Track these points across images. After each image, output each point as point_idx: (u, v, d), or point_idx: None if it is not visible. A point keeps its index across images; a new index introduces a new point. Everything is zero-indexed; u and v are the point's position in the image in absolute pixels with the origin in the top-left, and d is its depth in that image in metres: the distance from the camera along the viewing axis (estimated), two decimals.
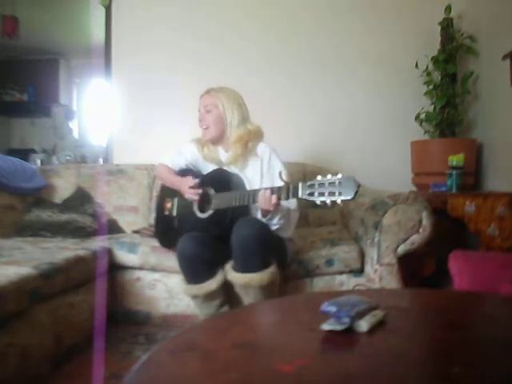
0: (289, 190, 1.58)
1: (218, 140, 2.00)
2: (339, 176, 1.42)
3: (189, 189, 1.91)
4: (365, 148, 2.98)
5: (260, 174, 1.92)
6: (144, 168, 2.83)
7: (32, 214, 2.52)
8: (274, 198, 1.62)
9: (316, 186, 1.46)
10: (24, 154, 4.97)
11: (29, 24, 4.49)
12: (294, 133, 2.89)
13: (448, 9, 2.71)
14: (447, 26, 2.72)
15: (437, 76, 2.75)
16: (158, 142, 3.01)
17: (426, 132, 2.78)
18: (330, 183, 1.43)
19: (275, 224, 1.80)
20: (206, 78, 2.97)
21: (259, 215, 1.79)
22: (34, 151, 5.68)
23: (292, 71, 3.02)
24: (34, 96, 5.88)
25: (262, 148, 1.95)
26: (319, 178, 1.47)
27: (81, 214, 2.52)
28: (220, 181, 1.89)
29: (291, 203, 1.81)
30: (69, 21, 4.79)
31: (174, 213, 2.06)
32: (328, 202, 1.43)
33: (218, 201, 1.85)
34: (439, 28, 2.75)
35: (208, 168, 2.02)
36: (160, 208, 2.16)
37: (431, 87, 2.74)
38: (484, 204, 2.03)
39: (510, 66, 2.28)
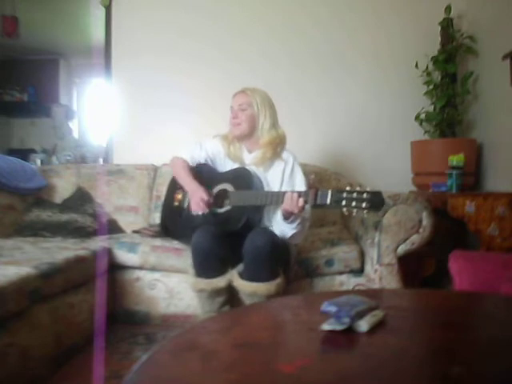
0: (317, 195, 1.61)
1: (245, 138, 2.00)
2: (368, 189, 1.49)
3: (199, 200, 1.88)
4: (365, 148, 2.97)
5: (281, 179, 1.93)
6: (144, 168, 2.83)
7: (32, 214, 2.52)
8: (301, 201, 1.64)
9: (345, 195, 1.51)
10: (24, 153, 4.96)
11: (29, 24, 4.49)
12: (293, 133, 2.85)
13: (448, 9, 2.71)
14: (447, 25, 2.72)
15: (437, 76, 2.75)
16: (158, 142, 3.01)
17: (426, 132, 2.78)
18: (358, 194, 1.48)
19: (294, 228, 1.80)
20: (206, 79, 3.01)
21: (279, 217, 1.79)
22: (34, 151, 5.67)
23: (292, 72, 3.02)
24: (34, 96, 5.87)
25: (286, 155, 1.98)
26: (348, 188, 1.53)
27: (81, 214, 2.52)
28: (241, 179, 1.89)
29: (305, 212, 1.81)
30: (69, 21, 4.79)
31: (185, 204, 2.04)
32: (354, 212, 1.48)
33: (237, 198, 1.86)
34: (439, 28, 2.75)
35: (226, 166, 2.02)
36: (169, 198, 2.16)
37: (431, 87, 2.74)
38: (484, 204, 2.03)
39: (509, 66, 2.28)
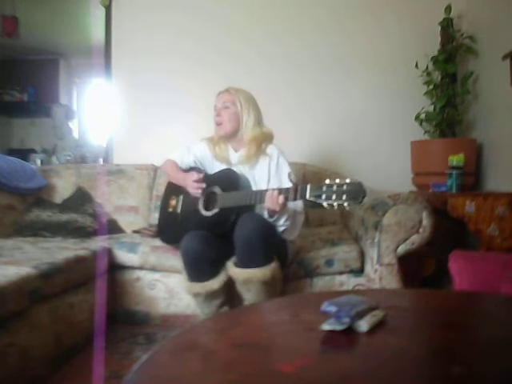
0: (297, 191, 1.60)
1: (230, 137, 2.01)
2: (347, 181, 1.45)
3: (192, 183, 1.93)
4: (364, 148, 2.97)
5: (267, 175, 1.93)
6: (144, 168, 2.83)
7: (32, 214, 2.52)
8: (281, 198, 1.64)
9: (324, 189, 1.48)
10: (24, 153, 4.96)
11: (29, 24, 4.49)
12: (293, 133, 2.89)
13: (448, 9, 2.71)
14: (447, 25, 2.72)
15: (437, 76, 2.75)
16: (158, 142, 3.01)
17: (426, 132, 2.78)
18: (337, 187, 1.44)
19: (281, 225, 1.81)
20: (205, 80, 3.01)
21: (266, 215, 1.79)
22: (34, 151, 5.67)
23: (291, 74, 3.01)
24: (34, 96, 5.88)
25: (270, 149, 1.98)
26: (327, 181, 1.49)
27: (81, 214, 2.52)
28: (227, 181, 1.91)
29: (297, 206, 1.82)
30: (69, 21, 4.79)
31: (179, 210, 2.07)
32: (335, 205, 1.44)
33: (224, 200, 1.86)
34: (439, 28, 2.75)
35: (215, 167, 2.03)
36: (164, 205, 2.17)
37: (431, 87, 2.74)
38: (484, 204, 2.03)
39: (509, 66, 2.28)
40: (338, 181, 1.46)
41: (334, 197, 1.44)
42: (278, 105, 2.93)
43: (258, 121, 2.00)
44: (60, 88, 6.06)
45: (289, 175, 1.69)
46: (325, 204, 1.46)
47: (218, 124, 1.99)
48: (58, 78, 6.04)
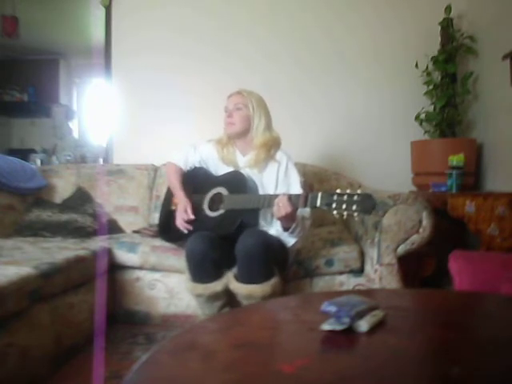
0: (307, 198, 1.59)
1: (239, 138, 1.99)
2: (358, 191, 1.45)
3: (183, 214, 1.93)
4: (365, 148, 2.97)
5: (275, 180, 1.93)
6: (144, 168, 2.83)
7: (32, 214, 2.52)
8: (290, 205, 1.62)
9: (335, 197, 1.48)
10: (24, 153, 4.96)
11: (29, 24, 4.49)
12: (293, 133, 2.88)
13: (448, 9, 2.71)
14: (447, 25, 2.72)
15: (437, 76, 2.75)
16: (158, 141, 3.02)
17: (426, 132, 2.78)
18: (348, 197, 1.45)
19: (295, 236, 1.80)
20: (206, 78, 3.01)
21: (279, 227, 1.79)
22: (34, 151, 5.67)
23: (293, 72, 3.01)
24: (34, 96, 5.87)
25: (279, 155, 1.97)
26: (338, 190, 1.50)
27: (81, 214, 2.52)
28: (235, 183, 1.89)
29: (305, 211, 1.81)
30: (69, 21, 4.79)
31: None
32: (345, 214, 1.45)
33: (231, 201, 1.86)
34: (439, 28, 2.75)
35: (220, 169, 2.02)
36: (167, 202, 2.16)
37: (431, 87, 2.74)
38: (484, 204, 2.03)
39: (510, 66, 2.28)
40: (348, 191, 1.47)
41: (344, 206, 1.44)
42: (279, 103, 2.90)
43: (268, 125, 1.98)
44: (60, 88, 6.05)
45: (301, 183, 1.70)
46: (335, 213, 1.46)
47: (229, 124, 1.97)
48: (58, 78, 6.03)
